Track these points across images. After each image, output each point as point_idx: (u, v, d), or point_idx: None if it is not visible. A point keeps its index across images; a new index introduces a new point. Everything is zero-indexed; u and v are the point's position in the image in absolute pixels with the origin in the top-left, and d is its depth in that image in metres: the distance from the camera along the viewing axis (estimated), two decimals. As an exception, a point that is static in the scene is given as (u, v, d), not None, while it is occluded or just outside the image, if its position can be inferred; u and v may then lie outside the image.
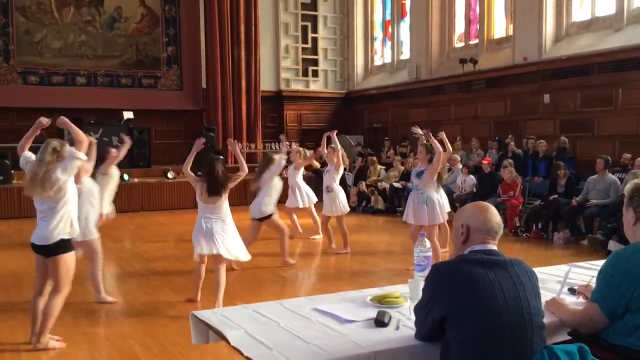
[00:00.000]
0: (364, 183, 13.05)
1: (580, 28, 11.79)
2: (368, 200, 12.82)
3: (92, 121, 14.44)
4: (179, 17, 16.65)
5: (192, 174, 5.71)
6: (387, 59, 17.48)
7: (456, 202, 10.76)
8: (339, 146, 8.43)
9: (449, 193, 11.16)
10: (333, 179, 8.15)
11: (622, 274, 2.41)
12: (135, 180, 13.40)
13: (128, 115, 14.79)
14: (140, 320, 5.08)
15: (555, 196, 9.28)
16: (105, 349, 4.46)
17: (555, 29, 12.03)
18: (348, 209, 8.28)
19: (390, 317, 2.56)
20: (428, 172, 6.56)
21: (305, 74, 17.99)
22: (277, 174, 7.43)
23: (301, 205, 9.12)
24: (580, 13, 11.89)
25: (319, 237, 9.17)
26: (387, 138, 15.62)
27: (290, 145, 9.01)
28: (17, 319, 5.13)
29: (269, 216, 7.21)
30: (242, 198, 11.78)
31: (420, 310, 2.33)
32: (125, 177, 12.94)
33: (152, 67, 16.48)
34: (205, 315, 2.69)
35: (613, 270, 2.46)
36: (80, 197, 5.09)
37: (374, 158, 13.88)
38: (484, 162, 11.09)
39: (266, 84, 17.30)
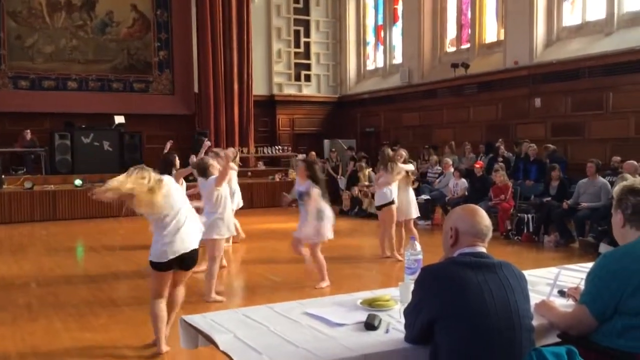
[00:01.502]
0: (356, 188, 13.05)
1: (570, 32, 11.86)
2: (360, 205, 12.83)
3: (84, 126, 14.44)
4: (170, 21, 16.63)
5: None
6: (380, 64, 17.53)
7: (448, 205, 10.79)
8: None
9: (441, 197, 11.22)
10: None
11: (611, 276, 2.41)
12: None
13: (119, 119, 14.76)
14: (130, 325, 5.05)
15: (549, 199, 9.33)
16: (96, 354, 4.43)
17: (546, 34, 12.10)
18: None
19: (380, 321, 2.56)
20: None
21: (297, 78, 18.00)
22: None
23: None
24: (571, 17, 11.96)
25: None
26: (385, 142, 15.41)
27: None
28: (6, 325, 5.09)
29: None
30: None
31: (409, 313, 2.33)
32: (78, 182, 12.78)
33: (143, 71, 16.45)
34: (195, 319, 2.68)
35: (602, 272, 2.46)
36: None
37: (362, 164, 13.72)
38: (476, 165, 11.12)
39: (258, 88, 17.30)
